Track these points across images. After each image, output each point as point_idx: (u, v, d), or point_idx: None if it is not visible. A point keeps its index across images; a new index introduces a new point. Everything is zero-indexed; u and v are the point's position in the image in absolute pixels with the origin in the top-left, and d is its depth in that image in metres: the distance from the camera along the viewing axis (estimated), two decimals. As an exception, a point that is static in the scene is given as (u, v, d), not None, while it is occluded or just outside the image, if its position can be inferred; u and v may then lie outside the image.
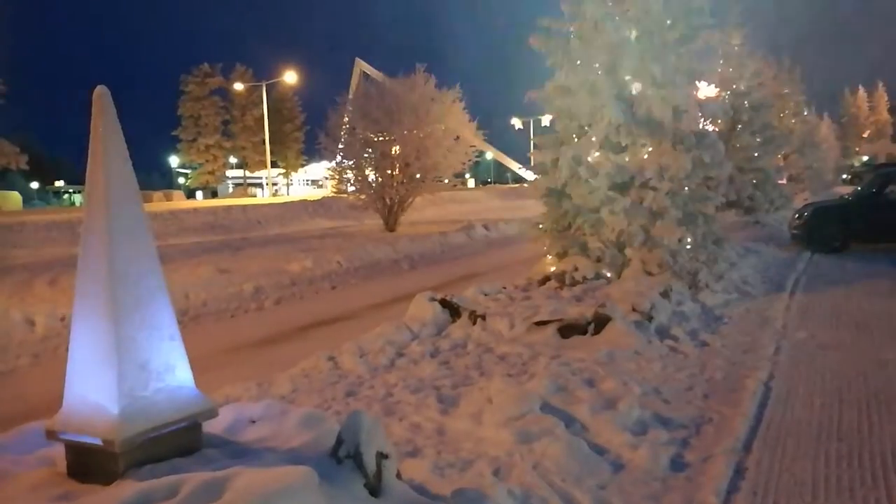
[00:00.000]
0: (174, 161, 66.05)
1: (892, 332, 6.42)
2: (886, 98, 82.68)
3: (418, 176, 21.42)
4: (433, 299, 7.01)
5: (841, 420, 4.28)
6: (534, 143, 10.42)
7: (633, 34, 8.74)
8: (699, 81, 9.80)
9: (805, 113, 31.36)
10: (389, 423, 4.30)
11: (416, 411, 4.50)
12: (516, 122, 58.34)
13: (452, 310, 6.95)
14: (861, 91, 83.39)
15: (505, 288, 8.53)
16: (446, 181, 23.84)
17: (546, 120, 13.24)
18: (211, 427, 3.21)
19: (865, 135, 79.96)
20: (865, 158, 61.19)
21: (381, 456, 3.01)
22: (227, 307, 9.44)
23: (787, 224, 13.82)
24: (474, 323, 6.66)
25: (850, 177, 40.62)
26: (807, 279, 9.62)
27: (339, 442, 2.97)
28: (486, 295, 8.05)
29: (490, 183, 75.23)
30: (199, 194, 60.05)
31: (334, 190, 23.21)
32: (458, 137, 22.74)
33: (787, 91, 25.37)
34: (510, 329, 6.46)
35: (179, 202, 42.53)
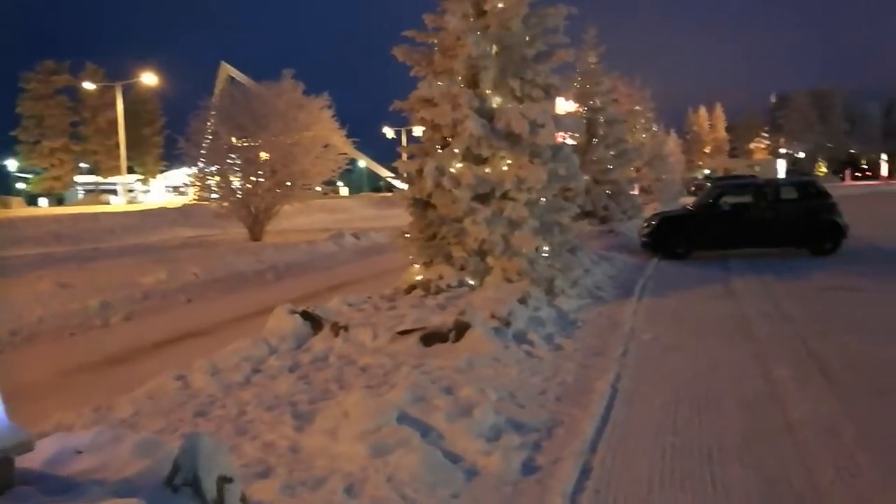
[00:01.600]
0: (12, 165, 60.06)
1: (723, 334, 7.00)
2: (724, 117, 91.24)
3: (288, 183, 20.88)
4: (294, 311, 6.81)
5: (677, 417, 4.60)
6: (400, 153, 10.45)
7: (494, 49, 9.02)
8: (557, 97, 10.30)
9: (654, 129, 33.87)
10: (240, 443, 4.10)
11: (269, 429, 4.33)
12: (388, 131, 58.57)
13: (314, 322, 6.79)
14: (702, 110, 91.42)
15: (370, 298, 8.47)
16: (317, 189, 23.42)
17: (418, 130, 13.40)
18: (28, 461, 2.90)
19: (706, 150, 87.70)
20: (707, 172, 67.10)
21: (224, 480, 2.86)
22: (68, 325, 8.67)
23: (637, 232, 14.79)
24: (336, 335, 6.54)
25: (694, 188, 44.27)
26: (653, 284, 10.32)
27: (176, 468, 2.79)
28: (350, 305, 7.95)
29: (370, 191, 74.88)
30: (42, 201, 54.94)
31: (196, 197, 22.09)
32: (327, 145, 22.42)
33: (638, 108, 27.25)
34: (373, 340, 6.41)
35: (19, 209, 38.73)
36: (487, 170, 8.87)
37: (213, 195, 20.92)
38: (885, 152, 78.66)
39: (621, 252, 13.74)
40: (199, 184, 21.21)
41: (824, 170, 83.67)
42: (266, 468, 3.75)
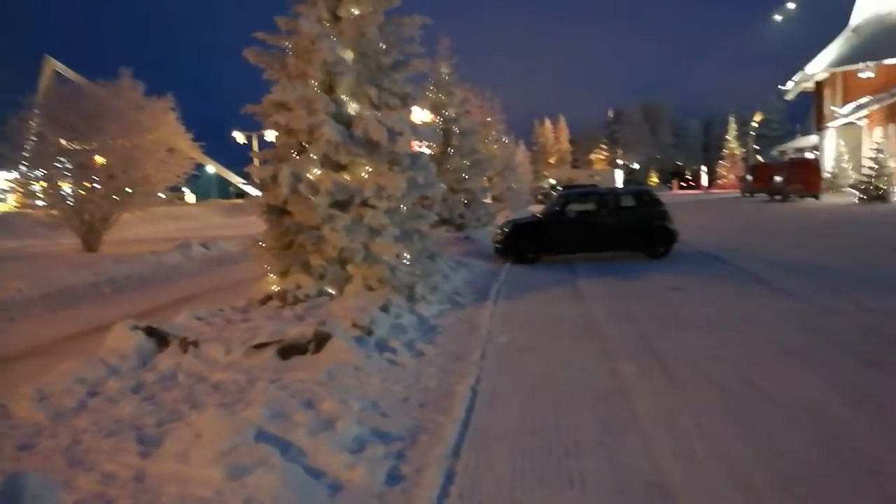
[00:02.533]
0: None
1: (573, 333, 7.39)
2: (567, 130, 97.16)
3: (128, 190, 19.34)
4: (137, 327, 6.30)
5: (534, 416, 4.76)
6: (253, 159, 10.05)
7: (350, 55, 8.93)
8: (413, 106, 10.40)
9: (505, 139, 35.33)
10: (74, 476, 3.70)
11: (110, 458, 3.95)
12: (239, 136, 56.17)
13: (160, 338, 6.32)
14: (548, 123, 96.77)
15: (222, 310, 8.04)
16: (161, 196, 21.93)
17: (271, 135, 12.94)
18: None
19: (552, 160, 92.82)
20: (552, 181, 71.02)
21: (55, 521, 2.55)
22: None
23: (491, 239, 15.29)
24: (185, 351, 6.13)
25: (542, 197, 46.66)
26: (507, 288, 10.70)
27: (-5, 513, 2.45)
28: (200, 319, 7.50)
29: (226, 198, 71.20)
30: None
31: (18, 204, 19.86)
32: (172, 149, 21.08)
33: (489, 119, 28.25)
34: (226, 355, 6.08)
35: None
36: (346, 176, 8.76)
37: (40, 202, 18.92)
38: (705, 164, 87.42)
39: (477, 258, 14.12)
40: (21, 189, 19.10)
41: (656, 180, 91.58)
42: (106, 501, 3.41)
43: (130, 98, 19.49)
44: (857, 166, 36.47)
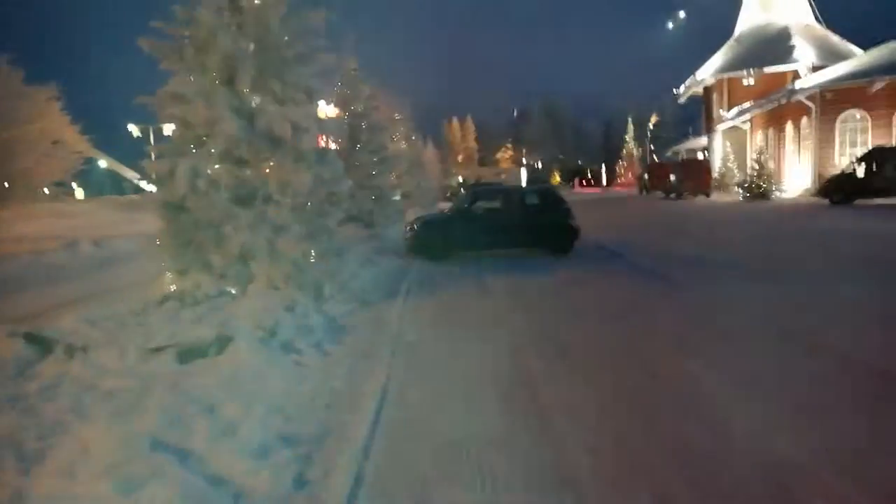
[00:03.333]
0: None
1: (481, 328, 7.46)
2: (474, 129, 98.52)
3: (6, 185, 17.91)
4: (14, 334, 5.81)
5: (444, 413, 4.76)
6: (149, 153, 9.52)
7: (251, 47, 8.62)
8: (319, 101, 10.18)
9: (413, 137, 35.36)
10: (-59, 500, 3.36)
11: (-17, 478, 3.61)
12: (134, 129, 53.28)
13: (42, 344, 5.86)
14: (455, 121, 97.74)
15: (115, 313, 7.56)
16: (45, 191, 20.45)
17: (169, 129, 12.31)
18: None
19: (460, 159, 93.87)
20: (460, 179, 71.79)
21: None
22: None
23: (400, 236, 15.24)
24: (72, 357, 5.71)
25: (449, 194, 47.07)
26: (417, 285, 10.69)
27: None
28: (90, 323, 7.01)
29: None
30: None
31: None
32: (57, 141, 19.70)
33: (398, 116, 28.17)
34: (119, 360, 5.71)
35: None
36: (249, 172, 8.46)
37: None
38: (605, 164, 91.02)
39: (386, 255, 14.03)
40: None
41: (559, 178, 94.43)
42: (-21, 526, 3.11)
43: (9, 85, 18.06)
44: (743, 166, 39.03)
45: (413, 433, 4.39)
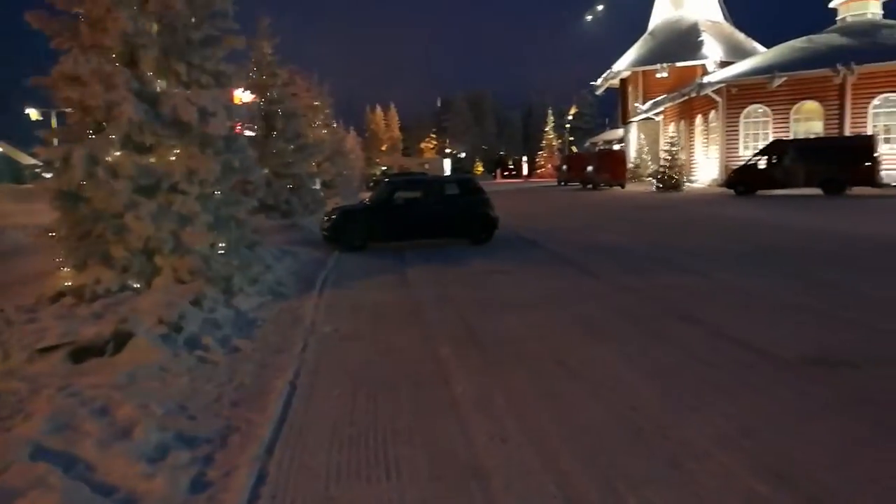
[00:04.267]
0: None
1: (398, 320, 7.40)
2: (397, 118, 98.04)
3: None
4: None
5: (354, 407, 4.67)
6: (42, 139, 8.90)
7: (154, 28, 8.18)
8: (230, 86, 9.78)
9: (334, 125, 34.74)
10: None
11: None
12: (33, 113, 49.92)
13: (-84, 346, 5.38)
14: (379, 110, 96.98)
15: (2, 311, 7.05)
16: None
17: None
18: None
19: (383, 148, 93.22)
20: (384, 168, 71.31)
21: None
22: None
23: (319, 226, 14.94)
24: (-50, 360, 5.27)
25: (373, 184, 46.60)
26: (335, 277, 10.51)
27: None
28: (-27, 321, 6.50)
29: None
30: None
31: None
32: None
33: (317, 103, 27.57)
34: (4, 361, 5.31)
35: None
36: (152, 160, 8.04)
37: None
38: (526, 154, 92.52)
39: (304, 246, 13.72)
40: None
41: (481, 168, 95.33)
42: None
43: None
44: (656, 158, 40.50)
45: (321, 429, 4.28)
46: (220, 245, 8.26)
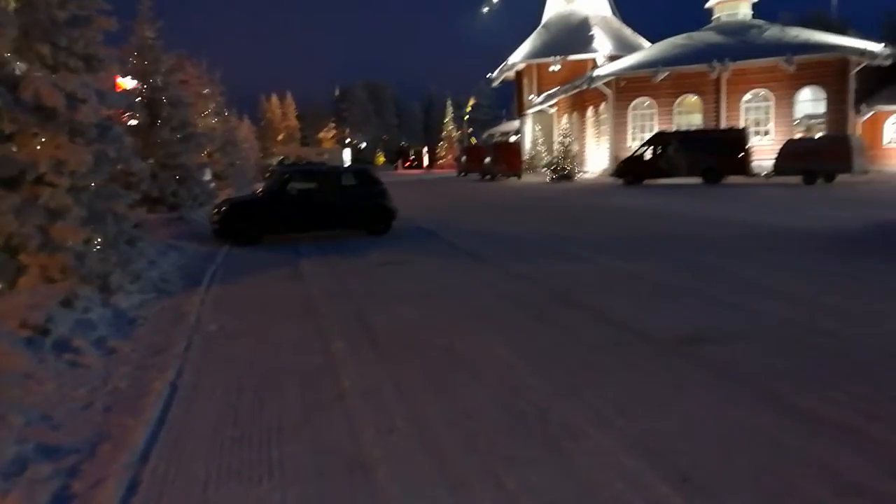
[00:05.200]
0: None
1: (289, 314, 7.23)
2: (295, 106, 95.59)
3: None
4: None
5: (238, 406, 4.51)
6: None
7: (12, 5, 7.52)
8: (106, 70, 9.16)
9: (226, 113, 33.42)
10: None
11: None
12: None
13: None
14: (274, 98, 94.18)
15: None
16: None
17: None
18: None
19: (280, 137, 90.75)
20: (281, 158, 69.46)
21: None
22: None
23: (208, 219, 14.34)
24: None
25: (269, 174, 45.26)
26: (224, 272, 10.13)
27: None
28: None
29: None
30: None
31: None
32: None
33: (207, 91, 26.42)
34: None
35: None
36: (13, 149, 7.40)
37: None
38: (427, 145, 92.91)
39: (192, 240, 13.15)
40: None
41: (383, 159, 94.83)
42: None
43: None
44: (550, 149, 41.75)
45: (201, 431, 4.11)
46: (97, 241, 7.74)
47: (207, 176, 21.30)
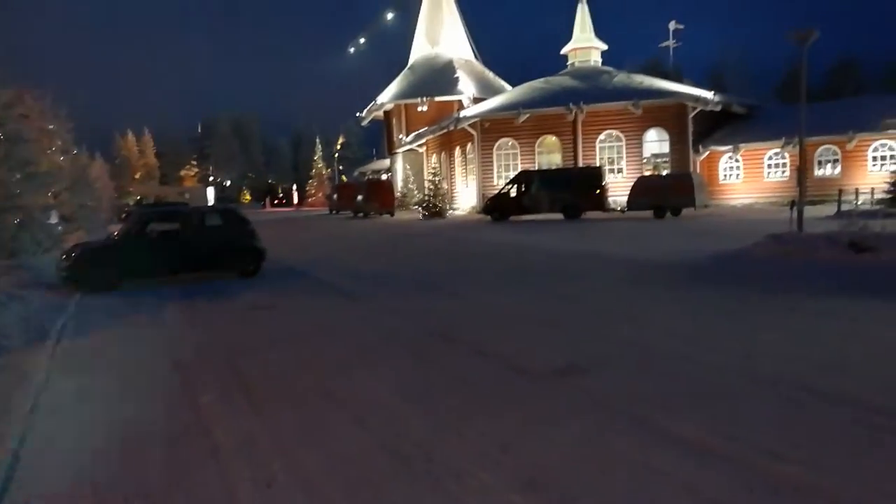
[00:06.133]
0: None
1: (147, 369, 6.73)
2: (153, 143, 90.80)
3: None
4: None
5: (94, 475, 4.10)
6: None
7: None
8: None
9: (76, 151, 31.10)
10: None
11: None
12: None
13: None
14: (131, 135, 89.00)
15: None
16: None
17: None
18: None
19: (137, 176, 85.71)
20: (139, 198, 65.54)
21: None
22: None
23: (56, 266, 13.13)
24: None
25: (125, 216, 42.48)
26: (76, 323, 9.29)
27: None
28: None
29: None
30: None
31: None
32: None
33: (52, 127, 24.48)
34: None
35: None
36: None
37: None
38: (296, 183, 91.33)
39: (38, 289, 11.96)
40: None
41: (248, 197, 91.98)
42: None
43: None
44: (421, 186, 42.45)
45: (57, 491, 3.69)
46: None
47: (54, 219, 19.62)
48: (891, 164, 28.07)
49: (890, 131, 27.53)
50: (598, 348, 6.52)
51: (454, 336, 7.32)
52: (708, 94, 33.44)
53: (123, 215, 44.74)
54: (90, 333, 8.53)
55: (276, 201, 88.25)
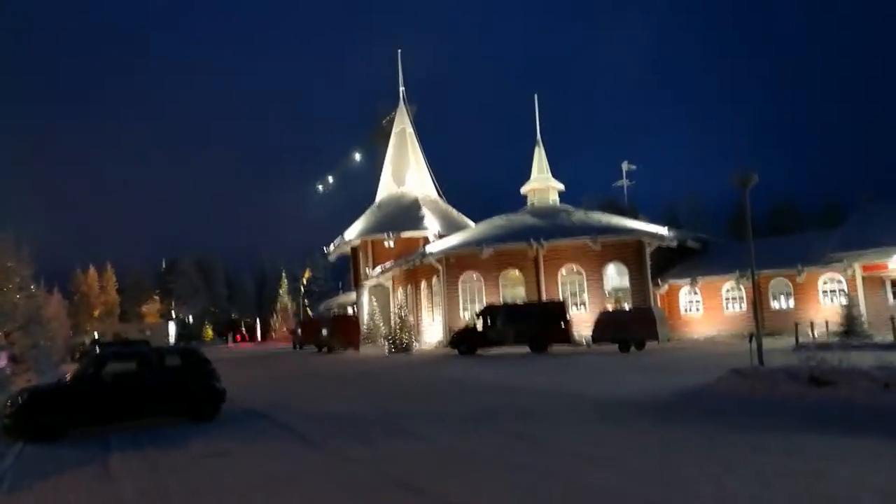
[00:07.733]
0: None
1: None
2: (115, 279, 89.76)
3: None
4: None
5: None
6: None
7: None
8: None
9: (33, 288, 30.57)
10: None
11: None
12: None
13: None
14: (92, 270, 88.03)
15: None
16: None
17: None
18: None
19: (96, 313, 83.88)
20: (97, 335, 63.70)
21: None
22: None
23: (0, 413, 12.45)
24: None
25: (80, 355, 41.08)
26: (15, 474, 8.72)
27: None
28: None
29: None
30: None
31: None
32: None
33: (10, 264, 24.20)
34: None
35: None
36: None
37: None
38: (259, 317, 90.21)
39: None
40: None
41: (211, 333, 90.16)
42: None
43: None
44: (388, 320, 42.35)
45: None
46: None
47: (2, 361, 18.87)
48: (841, 296, 29.10)
49: (834, 264, 28.81)
50: (559, 493, 6.31)
51: (416, 485, 7.01)
52: (663, 231, 34.89)
53: (78, 355, 43.33)
54: (32, 486, 7.98)
55: (239, 337, 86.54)
